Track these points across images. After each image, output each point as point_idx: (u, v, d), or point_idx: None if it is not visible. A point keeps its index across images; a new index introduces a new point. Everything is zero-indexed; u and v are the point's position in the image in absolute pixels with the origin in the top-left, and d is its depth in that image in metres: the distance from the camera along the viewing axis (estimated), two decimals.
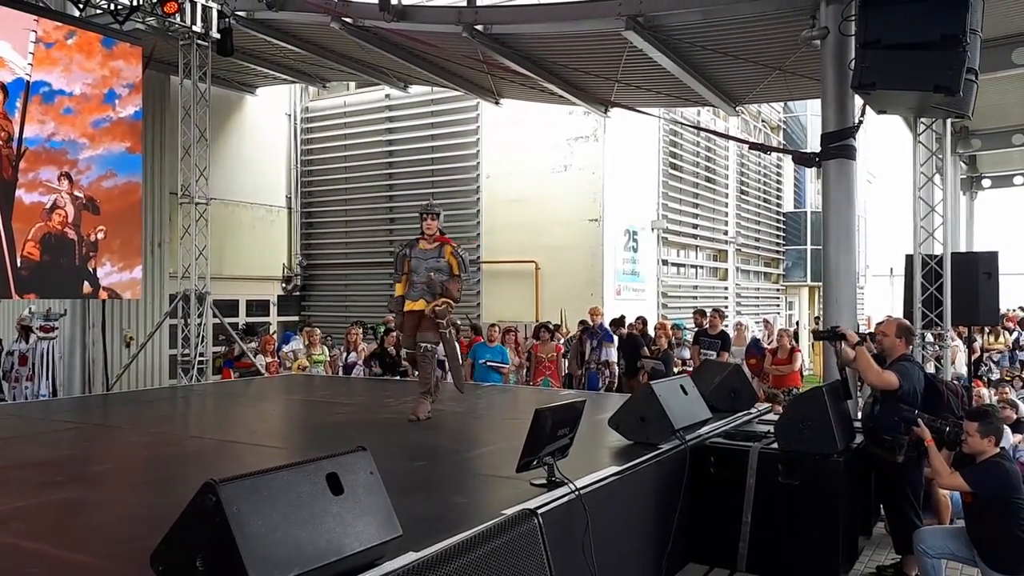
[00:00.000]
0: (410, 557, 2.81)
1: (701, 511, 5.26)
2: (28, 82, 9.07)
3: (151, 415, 7.17)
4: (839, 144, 7.50)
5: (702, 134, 18.11)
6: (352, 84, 17.11)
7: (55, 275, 9.40)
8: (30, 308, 11.39)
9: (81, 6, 9.82)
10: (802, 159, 8.21)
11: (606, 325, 11.39)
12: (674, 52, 9.69)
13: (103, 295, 10.09)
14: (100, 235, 9.81)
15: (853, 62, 6.52)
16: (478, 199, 15.59)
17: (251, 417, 7.24)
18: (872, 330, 7.49)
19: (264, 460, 4.11)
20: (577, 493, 3.94)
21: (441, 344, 6.58)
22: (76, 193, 9.55)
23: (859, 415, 5.99)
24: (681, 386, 5.57)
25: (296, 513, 2.58)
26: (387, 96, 16.60)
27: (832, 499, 4.98)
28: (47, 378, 11.08)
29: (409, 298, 6.41)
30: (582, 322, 11.72)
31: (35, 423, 6.50)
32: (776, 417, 6.60)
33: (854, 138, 7.59)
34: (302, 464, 2.72)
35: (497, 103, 14.08)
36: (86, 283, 9.75)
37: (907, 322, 5.90)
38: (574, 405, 4.32)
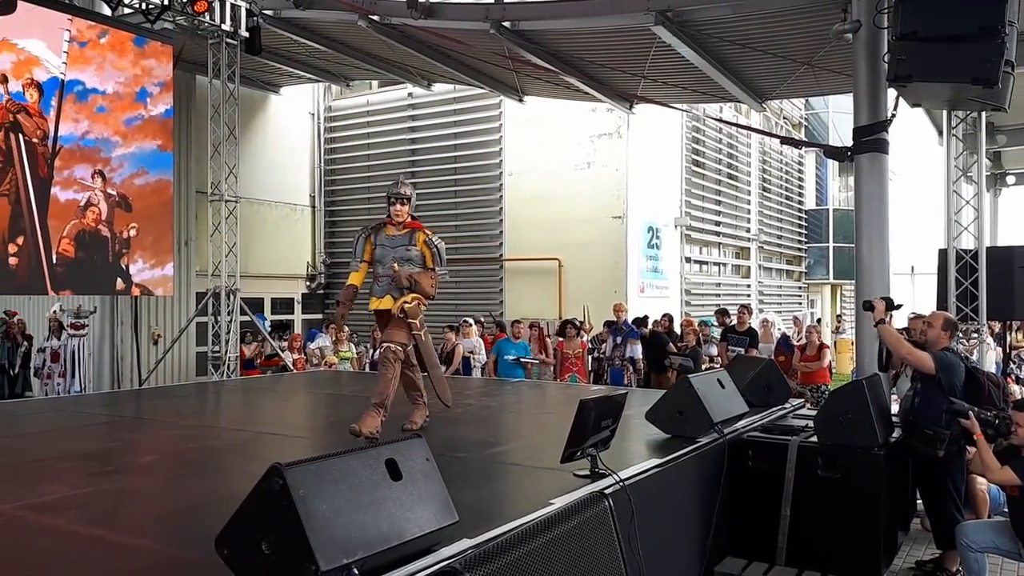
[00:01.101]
0: (464, 544, 2.83)
1: (739, 504, 5.24)
2: (63, 81, 9.18)
3: (186, 409, 7.25)
4: (872, 138, 7.44)
5: (724, 131, 18.06)
6: (375, 83, 17.20)
7: (89, 272, 9.51)
8: (60, 305, 11.53)
9: (113, 5, 9.93)
10: (833, 153, 8.16)
11: (630, 321, 11.37)
12: (702, 47, 9.67)
13: (136, 292, 10.21)
14: (132, 232, 9.92)
15: (887, 55, 6.47)
16: (501, 196, 15.63)
17: (284, 411, 7.30)
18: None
19: (303, 452, 4.16)
20: (622, 484, 3.94)
21: (415, 348, 5.47)
22: (109, 191, 9.66)
23: (897, 408, 5.96)
24: (718, 380, 5.56)
25: (358, 497, 2.60)
26: (410, 95, 16.67)
27: (873, 493, 4.94)
28: (79, 375, 11.22)
29: (374, 294, 5.40)
30: (608, 322, 11.72)
31: (73, 417, 6.58)
32: (811, 411, 6.61)
33: (886, 132, 7.54)
34: (362, 450, 2.75)
35: (521, 100, 14.10)
36: (119, 280, 9.86)
37: (953, 317, 5.88)
38: (616, 397, 4.33)
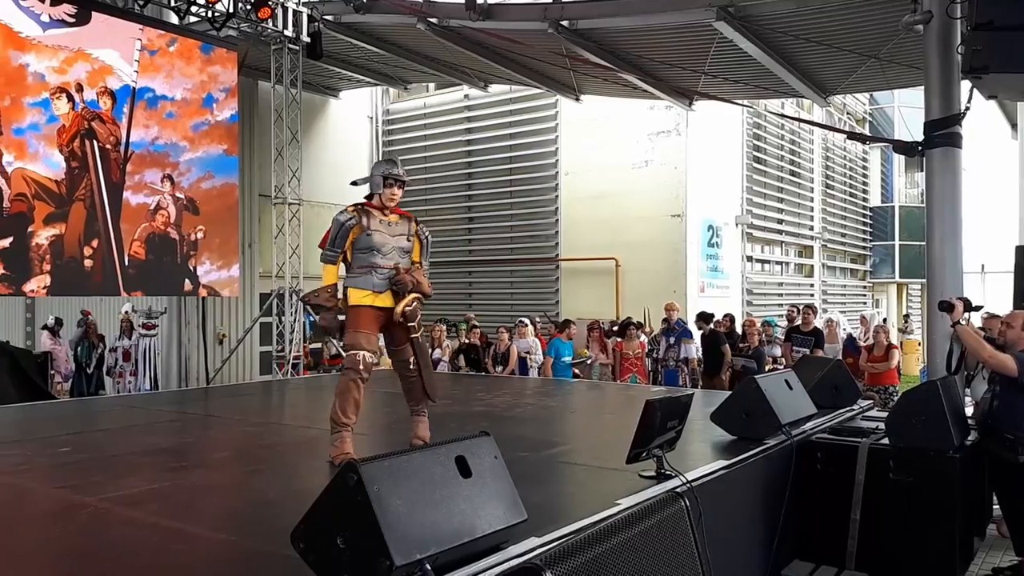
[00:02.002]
0: (533, 542, 2.84)
1: (807, 507, 5.13)
2: (134, 88, 9.50)
3: (252, 407, 7.43)
4: (944, 132, 7.21)
5: (786, 127, 17.72)
6: (431, 85, 17.36)
7: (159, 273, 9.81)
8: (132, 306, 11.92)
9: (181, 14, 10.23)
10: (903, 148, 7.93)
11: (684, 321, 11.23)
12: (764, 42, 9.52)
13: (203, 292, 10.49)
14: (200, 235, 10.20)
15: (961, 46, 6.27)
16: (556, 196, 15.61)
17: None
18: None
19: (365, 449, 4.22)
20: (689, 485, 3.90)
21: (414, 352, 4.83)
22: (177, 194, 9.95)
23: (972, 411, 5.76)
24: (786, 381, 5.45)
25: (430, 494, 2.62)
26: (466, 96, 16.78)
27: (948, 497, 4.78)
28: (149, 374, 11.58)
29: (372, 288, 4.56)
30: (665, 321, 11.58)
31: (146, 414, 6.80)
32: (881, 413, 6.43)
33: (960, 125, 7.30)
34: (433, 447, 2.78)
35: (578, 99, 14.08)
36: (187, 281, 10.15)
37: None
38: (682, 398, 4.28)
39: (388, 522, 2.42)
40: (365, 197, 4.88)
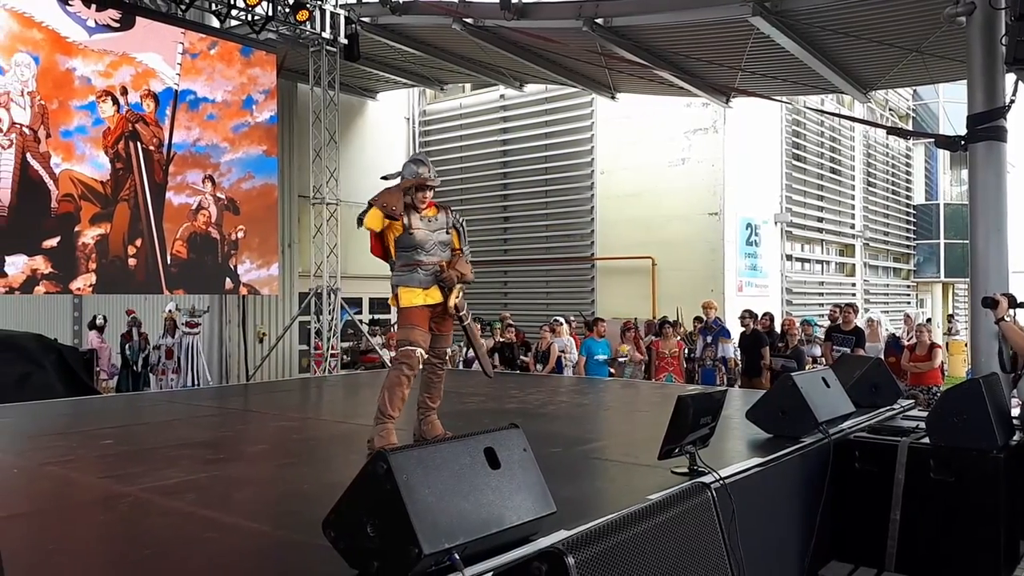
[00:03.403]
0: (562, 535, 2.83)
1: (845, 507, 5.05)
2: (176, 91, 9.70)
3: (290, 402, 7.53)
4: (988, 126, 7.05)
5: (826, 124, 17.44)
6: (467, 86, 17.43)
7: (200, 272, 10.01)
8: (176, 304, 12.17)
9: (222, 18, 10.42)
10: (946, 143, 7.76)
11: (721, 320, 11.12)
12: (802, 37, 9.38)
13: (243, 291, 10.67)
14: (240, 234, 10.38)
15: (1005, 37, 6.13)
16: (592, 195, 15.57)
17: None
18: None
19: (402, 443, 4.24)
20: (722, 482, 3.86)
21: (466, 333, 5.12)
22: (218, 194, 10.14)
23: (1018, 412, 5.62)
24: (823, 379, 5.37)
25: (459, 485, 2.64)
26: (501, 96, 16.82)
27: (992, 498, 4.67)
28: (192, 371, 11.81)
29: (420, 284, 4.65)
30: (698, 319, 11.49)
31: (187, 409, 6.94)
32: (922, 413, 6.30)
33: (1004, 119, 7.12)
34: (462, 438, 2.79)
35: (613, 98, 14.03)
36: (228, 279, 10.33)
37: None
38: (715, 394, 4.25)
39: (417, 511, 2.44)
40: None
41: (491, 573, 2.15)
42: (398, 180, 4.82)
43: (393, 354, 4.67)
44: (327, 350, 11.66)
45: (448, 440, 2.76)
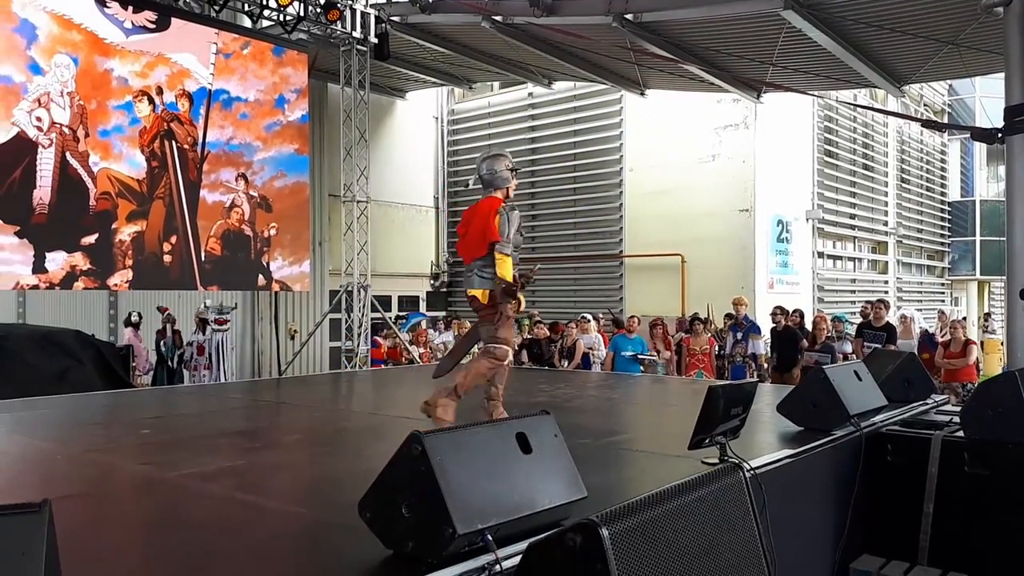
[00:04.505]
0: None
1: (877, 500, 5.01)
2: (210, 91, 9.87)
3: (322, 395, 7.64)
4: None
5: (859, 119, 17.24)
6: (496, 84, 17.49)
7: (234, 269, 10.17)
8: (205, 302, 12.37)
9: (254, 18, 10.58)
10: (982, 135, 7.66)
11: (751, 317, 11.05)
12: (834, 30, 9.30)
13: (275, 287, 10.83)
14: (272, 231, 10.53)
15: None
16: (621, 192, 15.55)
17: (413, 398, 7.53)
18: None
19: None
20: (753, 472, 3.86)
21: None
22: (251, 192, 10.29)
23: None
24: (855, 372, 5.34)
25: (491, 467, 2.67)
26: (530, 94, 16.86)
27: None
28: (222, 367, 12.00)
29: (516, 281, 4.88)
30: (728, 316, 11.42)
31: (221, 402, 7.06)
32: (955, 408, 6.22)
33: None
34: (494, 423, 2.83)
35: (643, 94, 13.99)
36: (260, 276, 10.49)
37: None
38: (746, 385, 4.24)
39: (451, 491, 2.48)
40: (490, 193, 4.99)
41: (526, 543, 2.19)
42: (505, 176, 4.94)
43: (494, 346, 4.82)
44: (357, 345, 11.78)
45: (480, 424, 2.81)
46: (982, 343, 17.58)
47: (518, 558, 2.36)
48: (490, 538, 2.55)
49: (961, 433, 4.93)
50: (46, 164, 8.49)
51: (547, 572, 2.01)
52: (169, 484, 3.62)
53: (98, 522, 3.12)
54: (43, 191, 8.39)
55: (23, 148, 8.28)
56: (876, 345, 9.51)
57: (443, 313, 17.81)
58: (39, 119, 8.41)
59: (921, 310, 17.19)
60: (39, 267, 8.37)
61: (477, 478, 2.60)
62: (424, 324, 14.46)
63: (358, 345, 11.83)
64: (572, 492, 2.89)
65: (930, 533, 4.85)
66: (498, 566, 2.49)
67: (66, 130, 8.60)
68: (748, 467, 3.92)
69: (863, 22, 9.04)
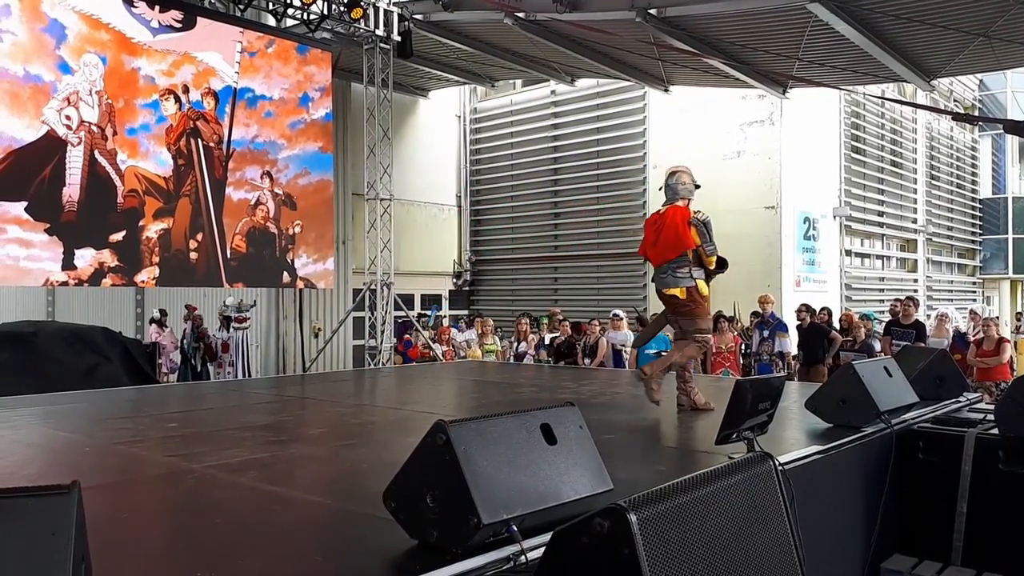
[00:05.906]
0: None
1: (909, 499, 4.92)
2: (235, 89, 9.94)
3: (346, 391, 7.65)
4: None
5: (887, 115, 17.00)
6: (518, 82, 17.47)
7: (259, 266, 10.24)
8: (225, 300, 12.49)
9: (279, 17, 10.65)
10: (1014, 128, 7.52)
11: (777, 315, 10.93)
12: (862, 23, 9.17)
13: (300, 284, 10.89)
14: (297, 229, 10.59)
15: None
16: (644, 190, 15.45)
17: (436, 394, 7.55)
18: None
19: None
20: (781, 468, 3.79)
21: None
22: (276, 190, 10.36)
23: None
24: (885, 368, 5.23)
25: (516, 458, 2.64)
26: (552, 92, 16.81)
27: None
28: (244, 363, 12.10)
29: (706, 280, 5.75)
30: (755, 314, 11.30)
31: (246, 396, 7.11)
32: (989, 406, 6.09)
33: None
34: (519, 413, 2.80)
35: (667, 90, 13.89)
36: (285, 273, 10.55)
37: None
38: (774, 380, 4.18)
39: (476, 481, 2.46)
40: (675, 202, 5.70)
41: (550, 535, 2.16)
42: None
43: (701, 336, 5.57)
44: (380, 343, 11.82)
45: (505, 415, 2.78)
46: (1016, 343, 17.29)
47: (543, 550, 2.33)
48: (515, 528, 2.52)
49: (995, 430, 4.82)
50: (75, 162, 8.60)
51: (574, 557, 1.98)
52: (195, 475, 3.63)
53: (125, 510, 3.14)
54: (72, 189, 8.50)
55: (53, 147, 8.39)
56: (905, 343, 9.36)
57: (466, 312, 17.86)
58: (68, 118, 8.52)
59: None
60: (68, 264, 8.48)
61: (502, 468, 2.57)
62: (446, 321, 14.47)
63: (381, 343, 11.85)
64: (598, 484, 2.85)
65: (964, 533, 4.75)
66: (523, 557, 2.46)
67: (94, 128, 8.71)
68: (777, 462, 3.86)
69: (891, 14, 8.91)
